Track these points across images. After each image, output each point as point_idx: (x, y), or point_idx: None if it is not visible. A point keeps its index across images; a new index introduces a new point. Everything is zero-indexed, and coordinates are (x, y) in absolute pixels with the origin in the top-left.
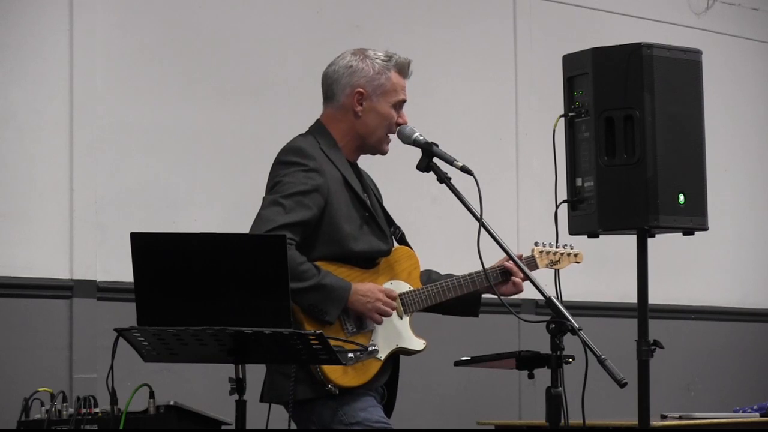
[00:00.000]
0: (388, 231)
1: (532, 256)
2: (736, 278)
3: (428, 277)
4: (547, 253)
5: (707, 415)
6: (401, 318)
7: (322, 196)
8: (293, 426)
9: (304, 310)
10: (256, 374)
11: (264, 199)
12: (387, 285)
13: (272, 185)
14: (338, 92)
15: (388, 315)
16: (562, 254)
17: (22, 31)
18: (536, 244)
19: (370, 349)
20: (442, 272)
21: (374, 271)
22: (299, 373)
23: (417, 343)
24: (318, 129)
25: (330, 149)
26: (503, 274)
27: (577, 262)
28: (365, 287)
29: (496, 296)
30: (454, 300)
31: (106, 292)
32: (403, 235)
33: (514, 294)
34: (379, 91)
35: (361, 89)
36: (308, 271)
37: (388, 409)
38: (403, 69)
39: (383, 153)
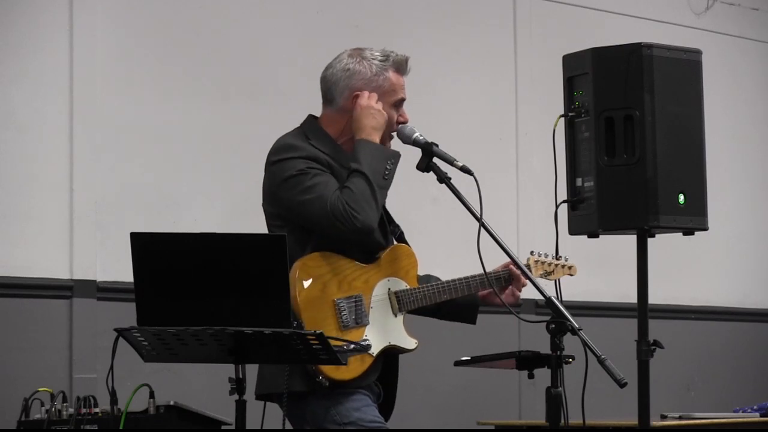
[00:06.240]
0: (387, 227)
1: (527, 265)
2: (736, 278)
3: (427, 281)
4: (542, 263)
5: (707, 415)
6: (395, 316)
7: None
8: (287, 421)
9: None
10: (255, 374)
11: (289, 198)
12: (385, 281)
13: (282, 183)
14: (337, 96)
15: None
16: (556, 265)
17: (22, 31)
18: (532, 252)
19: (363, 344)
20: (444, 275)
21: (373, 266)
22: (292, 365)
23: (409, 342)
24: (309, 126)
25: (322, 143)
26: (504, 280)
27: (571, 275)
28: (360, 122)
29: (495, 306)
30: (451, 306)
31: (106, 292)
32: (401, 233)
33: (510, 303)
34: (378, 92)
35: (359, 92)
36: (352, 181)
37: (387, 410)
38: (401, 67)
39: None
